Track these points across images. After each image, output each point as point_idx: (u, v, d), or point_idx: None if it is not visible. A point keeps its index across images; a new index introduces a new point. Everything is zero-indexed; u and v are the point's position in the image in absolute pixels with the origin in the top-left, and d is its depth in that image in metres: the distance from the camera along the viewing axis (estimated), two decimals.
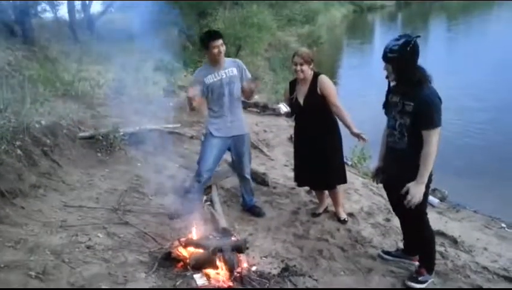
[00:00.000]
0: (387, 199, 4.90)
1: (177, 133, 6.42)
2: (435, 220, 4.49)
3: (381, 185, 5.68)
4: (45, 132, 4.71)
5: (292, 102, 4.03)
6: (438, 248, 3.80)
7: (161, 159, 5.42)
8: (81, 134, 5.29)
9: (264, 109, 8.64)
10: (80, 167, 4.70)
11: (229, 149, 4.15)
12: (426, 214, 3.20)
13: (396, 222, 4.28)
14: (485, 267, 3.55)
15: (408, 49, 2.81)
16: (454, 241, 3.98)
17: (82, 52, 7.16)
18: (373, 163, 3.60)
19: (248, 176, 4.28)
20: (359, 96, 10.94)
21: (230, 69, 3.92)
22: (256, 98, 9.72)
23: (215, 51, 3.77)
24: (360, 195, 4.97)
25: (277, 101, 9.61)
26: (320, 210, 4.38)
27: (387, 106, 3.17)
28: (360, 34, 28.38)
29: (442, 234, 4.09)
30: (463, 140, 8.17)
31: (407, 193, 2.94)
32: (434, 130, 2.86)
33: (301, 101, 3.95)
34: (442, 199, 5.50)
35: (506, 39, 17.37)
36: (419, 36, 2.88)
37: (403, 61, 2.84)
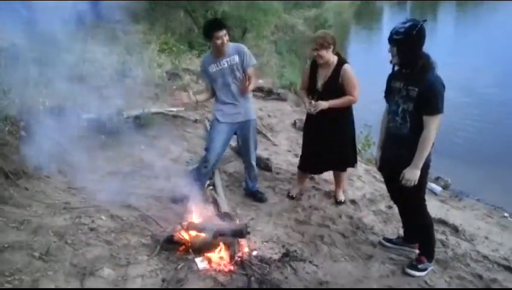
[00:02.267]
0: None
1: (181, 116, 6.41)
2: (436, 208, 4.50)
3: None
4: (49, 114, 4.71)
5: (310, 83, 4.01)
6: (439, 236, 3.82)
7: (165, 142, 5.42)
8: (85, 116, 5.28)
9: (269, 94, 8.59)
10: (84, 149, 4.71)
11: (235, 134, 4.15)
12: (424, 200, 3.22)
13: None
14: (485, 256, 3.56)
15: (414, 32, 2.81)
16: (455, 230, 3.99)
17: (87, 34, 7.12)
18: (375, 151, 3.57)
19: (254, 163, 4.28)
20: (365, 81, 10.83)
21: (232, 57, 3.85)
22: (261, 82, 9.68)
23: (218, 42, 3.72)
24: (363, 182, 4.97)
25: (282, 85, 9.56)
26: (297, 191, 4.45)
27: (389, 91, 3.15)
28: (367, 19, 28.02)
29: (444, 222, 4.10)
30: (467, 129, 8.12)
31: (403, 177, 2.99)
32: (436, 116, 2.87)
33: (319, 85, 3.92)
34: (445, 187, 5.49)
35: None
36: (425, 20, 2.87)
37: (407, 44, 2.84)
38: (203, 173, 4.06)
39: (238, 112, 3.99)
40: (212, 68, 3.88)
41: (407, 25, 2.83)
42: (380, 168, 3.44)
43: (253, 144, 4.19)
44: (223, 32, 3.71)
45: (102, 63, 7.01)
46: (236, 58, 3.87)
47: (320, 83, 3.92)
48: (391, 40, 2.89)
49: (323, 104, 3.79)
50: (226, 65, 3.85)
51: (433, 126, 2.87)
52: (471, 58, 13.04)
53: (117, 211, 3.60)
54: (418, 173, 2.95)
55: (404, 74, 3.00)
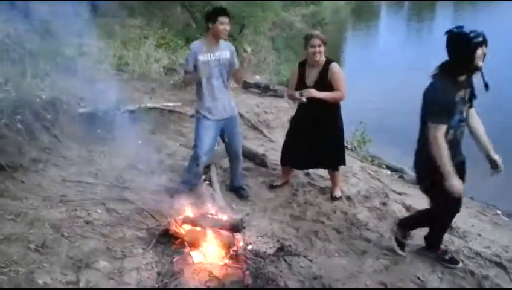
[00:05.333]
0: (385, 183, 5.00)
1: (177, 111, 6.42)
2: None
3: (378, 169, 5.75)
4: (46, 107, 4.71)
5: (299, 84, 4.06)
6: None
7: (161, 137, 5.44)
8: (82, 110, 5.29)
9: (266, 90, 8.61)
10: (80, 143, 4.72)
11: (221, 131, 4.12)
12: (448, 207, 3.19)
13: (393, 206, 4.35)
14: (478, 253, 3.59)
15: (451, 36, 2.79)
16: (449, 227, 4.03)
17: (84, 27, 7.10)
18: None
19: (241, 157, 4.29)
20: (360, 79, 10.86)
21: (224, 52, 3.82)
22: (257, 78, 9.70)
23: (222, 27, 3.67)
24: (358, 179, 5.00)
25: (279, 82, 9.58)
26: (279, 183, 4.54)
27: (453, 108, 2.97)
28: (365, 17, 28.04)
29: None
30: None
31: None
32: (431, 125, 2.87)
33: (311, 84, 3.98)
34: None
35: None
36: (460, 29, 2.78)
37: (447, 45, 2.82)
38: (194, 172, 3.99)
39: (225, 108, 3.95)
40: (204, 57, 3.75)
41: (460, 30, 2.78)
42: None
43: (240, 138, 4.23)
44: (228, 19, 3.69)
45: (99, 57, 7.00)
46: (228, 54, 3.85)
47: (310, 82, 3.99)
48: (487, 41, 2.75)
49: (314, 91, 3.86)
50: (219, 58, 3.80)
51: (430, 135, 2.86)
52: None
53: (113, 205, 3.62)
54: (444, 182, 2.88)
55: (467, 80, 2.94)
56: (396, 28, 22.05)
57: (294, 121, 4.38)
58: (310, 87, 3.95)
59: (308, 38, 3.95)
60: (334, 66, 3.95)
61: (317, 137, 4.10)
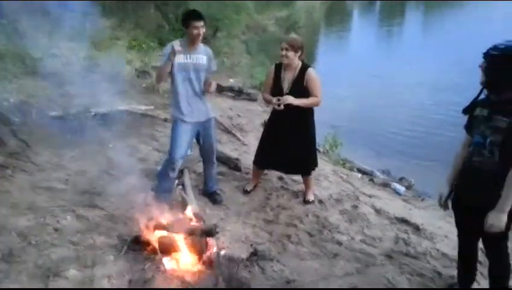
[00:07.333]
0: (356, 186, 5.09)
1: (150, 115, 6.37)
2: (400, 207, 4.66)
3: (350, 173, 5.84)
4: (13, 111, 4.60)
5: (274, 86, 4.10)
6: (401, 234, 3.97)
7: (133, 141, 5.37)
8: (51, 113, 5.18)
9: (239, 94, 8.62)
10: (49, 148, 4.62)
11: (197, 134, 4.11)
12: (507, 248, 2.81)
13: (363, 209, 4.43)
14: (444, 254, 3.70)
15: None
16: (416, 229, 4.13)
17: (53, 27, 6.95)
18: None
19: (215, 161, 4.30)
20: (331, 83, 11.03)
21: (201, 56, 3.83)
22: (231, 81, 9.71)
23: (195, 32, 3.66)
24: (330, 182, 5.08)
25: (252, 85, 9.61)
26: (252, 187, 4.57)
27: (471, 120, 2.73)
28: (337, 19, 28.46)
29: (406, 221, 4.24)
30: (433, 131, 8.39)
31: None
32: None
33: (285, 87, 4.04)
34: (408, 188, 5.68)
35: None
36: None
37: (500, 64, 2.48)
38: (171, 177, 3.97)
39: (201, 110, 3.94)
40: (180, 58, 3.72)
41: (510, 43, 2.47)
42: (455, 209, 2.99)
43: (215, 141, 4.24)
44: (201, 23, 3.67)
45: (69, 59, 6.85)
46: (205, 59, 3.86)
47: (286, 86, 4.04)
48: (486, 54, 2.53)
49: (291, 98, 3.90)
50: (195, 61, 3.79)
51: None
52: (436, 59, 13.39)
53: (83, 211, 3.56)
54: (503, 217, 2.52)
55: (492, 100, 2.59)
56: (367, 31, 22.46)
57: (268, 125, 4.43)
58: (286, 93, 4.00)
59: (281, 42, 4.03)
60: (311, 71, 4.01)
61: (290, 141, 4.15)
